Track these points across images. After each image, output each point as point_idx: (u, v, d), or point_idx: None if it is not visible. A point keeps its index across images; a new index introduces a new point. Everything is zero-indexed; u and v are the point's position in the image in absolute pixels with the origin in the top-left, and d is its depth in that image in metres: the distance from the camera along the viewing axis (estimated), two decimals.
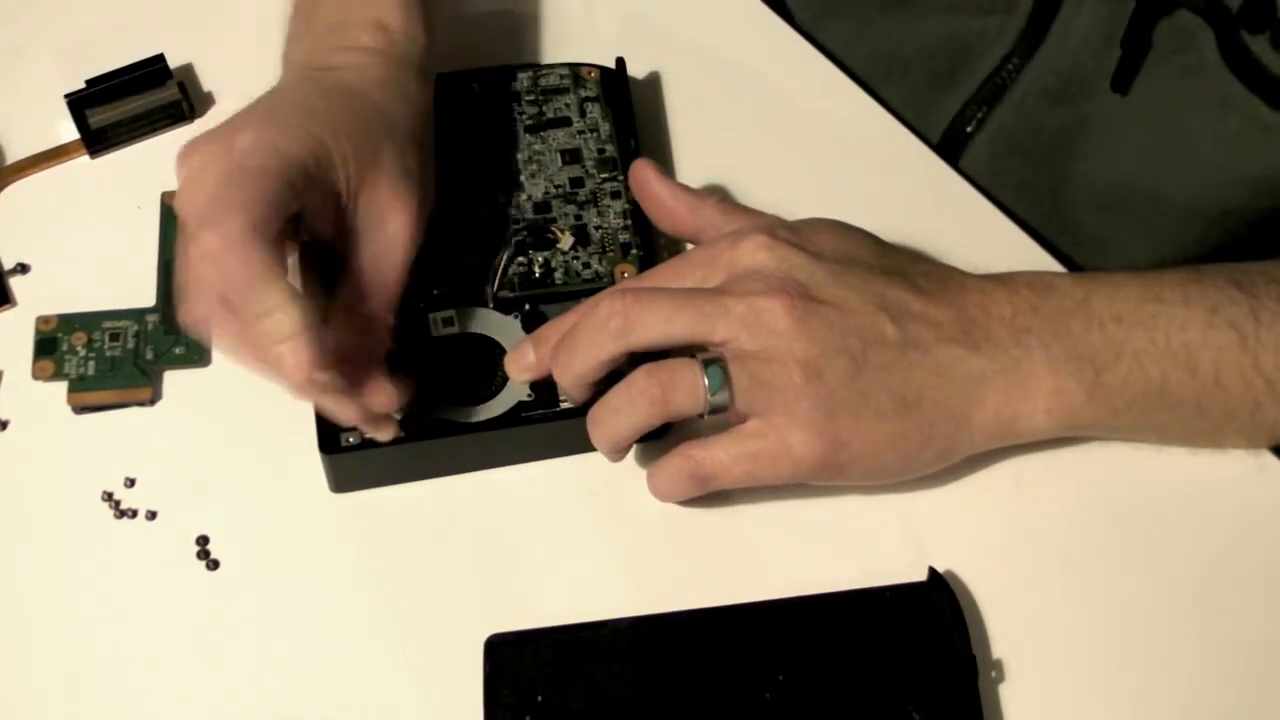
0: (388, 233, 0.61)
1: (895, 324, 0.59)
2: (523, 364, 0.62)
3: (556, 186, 0.68)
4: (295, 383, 0.57)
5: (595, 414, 0.60)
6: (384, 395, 0.60)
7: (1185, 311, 0.59)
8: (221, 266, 0.55)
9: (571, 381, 0.60)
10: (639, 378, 0.58)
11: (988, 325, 0.59)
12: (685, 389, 0.58)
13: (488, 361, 0.63)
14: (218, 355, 0.67)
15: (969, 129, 0.72)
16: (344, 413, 0.59)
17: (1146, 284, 0.60)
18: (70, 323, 0.67)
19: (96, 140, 0.72)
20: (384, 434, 0.61)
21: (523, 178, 0.68)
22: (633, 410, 0.59)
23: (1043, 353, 0.59)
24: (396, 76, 0.64)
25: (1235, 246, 0.67)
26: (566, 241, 0.66)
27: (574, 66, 0.71)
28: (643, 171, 0.64)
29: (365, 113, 0.62)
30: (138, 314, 0.67)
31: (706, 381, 0.57)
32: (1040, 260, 0.68)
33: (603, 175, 0.68)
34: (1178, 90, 0.66)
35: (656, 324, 0.58)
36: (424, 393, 0.62)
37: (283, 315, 0.55)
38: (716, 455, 0.59)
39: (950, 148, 0.73)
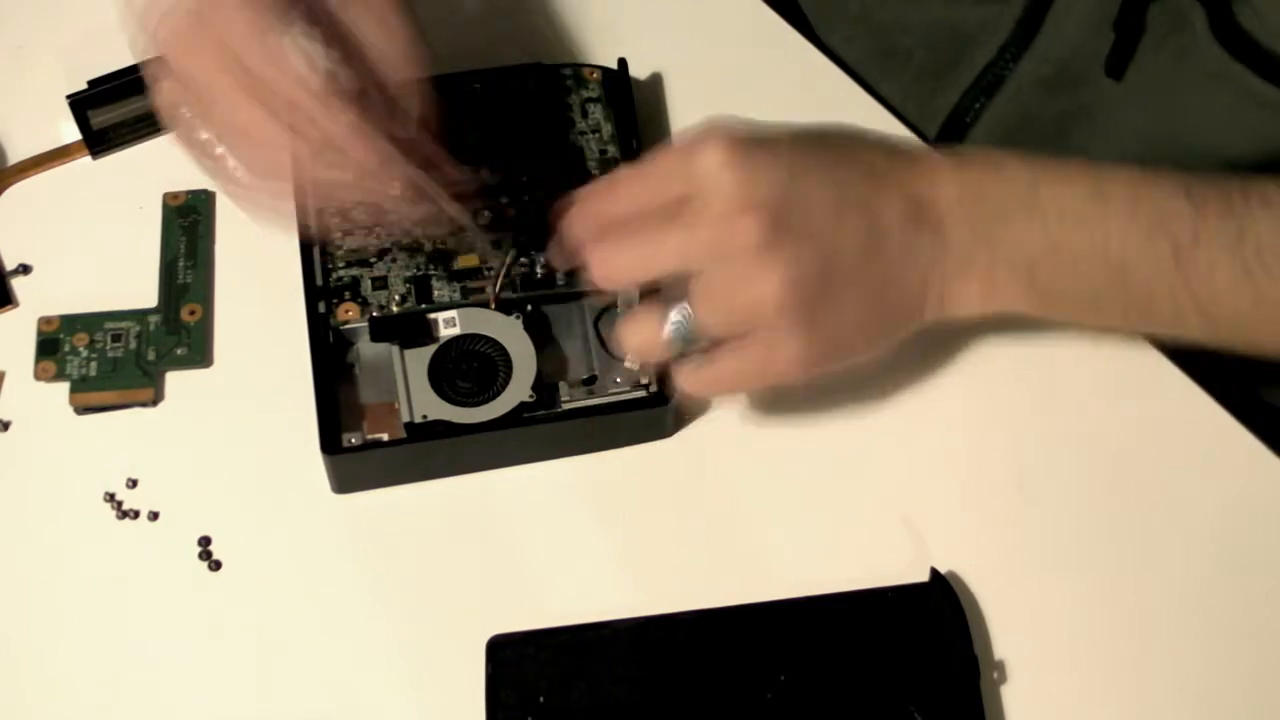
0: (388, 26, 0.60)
1: (861, 218, 0.58)
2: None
3: (557, 187, 0.68)
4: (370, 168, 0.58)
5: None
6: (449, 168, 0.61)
7: (1129, 220, 0.59)
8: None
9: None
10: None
11: (935, 207, 0.59)
12: (648, 340, 0.59)
13: (489, 362, 0.63)
14: (219, 356, 0.67)
15: (967, 119, 0.72)
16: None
17: (1096, 181, 0.60)
18: (72, 323, 0.67)
19: (98, 141, 0.72)
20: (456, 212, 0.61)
21: (524, 178, 0.68)
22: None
23: (983, 240, 0.59)
24: None
25: None
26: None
27: (576, 67, 0.71)
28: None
29: None
30: (140, 314, 0.67)
31: (670, 334, 0.58)
32: None
33: (603, 176, 0.68)
34: (1172, 72, 0.66)
35: (633, 273, 0.59)
36: (425, 394, 0.62)
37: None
38: (702, 378, 0.60)
39: (949, 139, 0.73)
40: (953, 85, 0.73)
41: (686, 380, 0.60)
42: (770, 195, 0.57)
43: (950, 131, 0.73)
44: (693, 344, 0.58)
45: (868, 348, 0.60)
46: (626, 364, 0.64)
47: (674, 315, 0.58)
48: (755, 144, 0.58)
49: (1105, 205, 0.59)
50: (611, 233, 0.59)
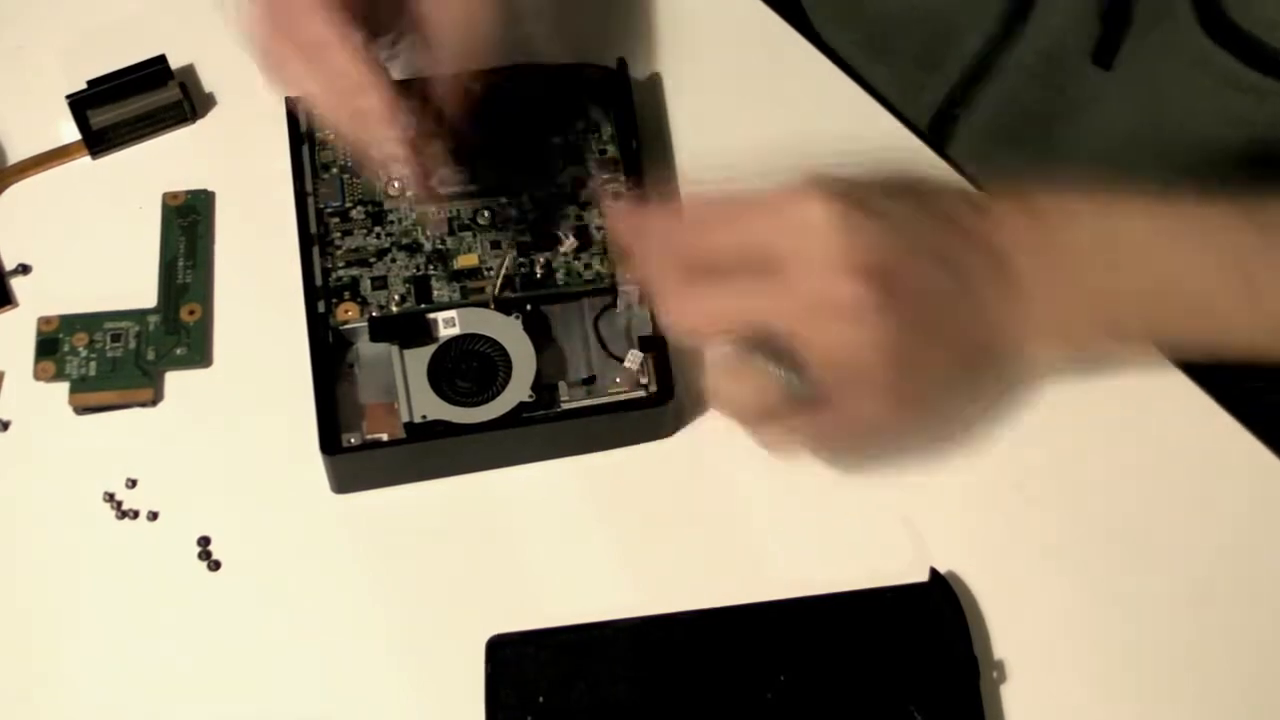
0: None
1: (951, 274, 0.58)
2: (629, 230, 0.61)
3: (558, 187, 0.68)
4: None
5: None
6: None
7: (1200, 254, 0.59)
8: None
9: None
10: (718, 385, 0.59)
11: (1014, 260, 0.58)
12: (757, 390, 0.58)
13: (489, 362, 0.63)
14: (218, 356, 0.67)
15: (956, 111, 0.72)
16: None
17: (1164, 218, 0.60)
18: (72, 323, 0.67)
19: (98, 141, 0.72)
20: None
21: (524, 178, 0.68)
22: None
23: (1063, 294, 0.59)
24: None
25: None
26: (569, 245, 0.66)
27: (576, 67, 0.71)
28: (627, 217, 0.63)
29: None
30: (139, 314, 0.67)
31: (785, 384, 0.57)
32: None
33: (604, 176, 0.68)
34: (1158, 61, 0.66)
35: (720, 324, 0.57)
36: (424, 392, 0.62)
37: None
38: (791, 435, 0.59)
39: (940, 130, 0.73)
40: (942, 76, 0.73)
41: (776, 439, 0.60)
42: (872, 256, 0.56)
43: (941, 122, 0.73)
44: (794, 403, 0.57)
45: (953, 406, 0.61)
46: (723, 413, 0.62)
47: (778, 373, 0.57)
48: (854, 201, 0.57)
49: (1175, 241, 0.59)
50: (700, 278, 0.57)
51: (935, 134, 0.73)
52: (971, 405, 0.62)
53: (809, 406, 0.57)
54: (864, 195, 0.58)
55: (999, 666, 0.59)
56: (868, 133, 0.73)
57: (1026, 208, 0.60)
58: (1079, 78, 0.68)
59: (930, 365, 0.58)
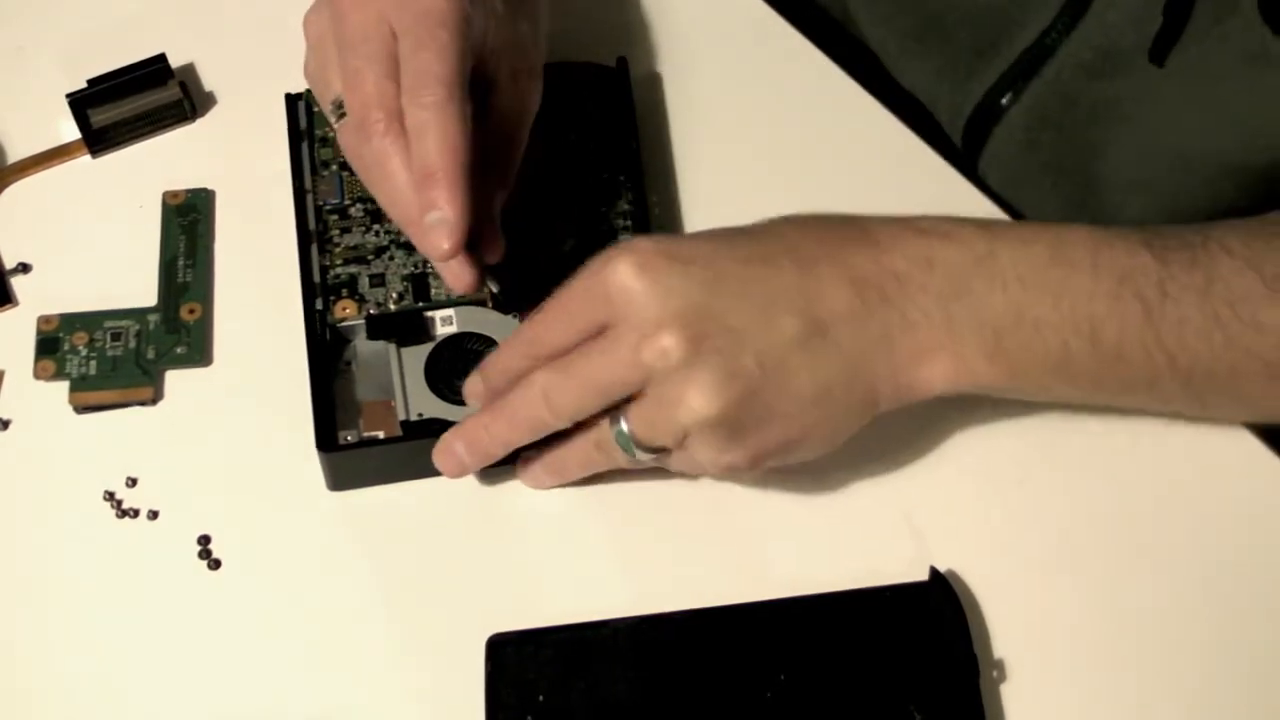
0: (519, 88, 0.61)
1: (791, 318, 0.57)
2: (456, 468, 0.62)
3: (557, 187, 0.68)
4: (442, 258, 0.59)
5: (556, 455, 0.62)
6: (497, 247, 0.62)
7: (1092, 281, 0.57)
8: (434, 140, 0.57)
9: (580, 472, 0.62)
10: (586, 438, 0.60)
11: (881, 285, 0.57)
12: (617, 455, 0.59)
13: None
14: (218, 355, 0.67)
15: (1004, 102, 0.71)
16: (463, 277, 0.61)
17: (1055, 244, 0.58)
18: (72, 322, 0.67)
19: (98, 140, 0.72)
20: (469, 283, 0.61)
21: (522, 177, 0.68)
22: (590, 461, 0.61)
23: (941, 314, 0.58)
24: None
25: (1266, 210, 0.64)
26: (569, 245, 0.66)
27: (574, 67, 0.71)
28: None
29: None
30: (139, 313, 0.67)
31: (621, 452, 0.59)
32: None
33: (603, 175, 0.68)
34: (1215, 56, 0.64)
35: (571, 409, 0.58)
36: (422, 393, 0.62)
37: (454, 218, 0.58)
38: (673, 464, 0.60)
39: (981, 125, 0.72)
40: (989, 68, 0.71)
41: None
42: (684, 307, 0.56)
43: (982, 117, 0.72)
44: (643, 453, 0.58)
45: (822, 444, 0.59)
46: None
47: (614, 429, 0.58)
48: (666, 255, 0.57)
49: (1068, 269, 0.58)
50: (558, 364, 0.58)
51: (979, 120, 0.72)
52: (842, 439, 0.60)
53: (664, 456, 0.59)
54: (680, 249, 0.58)
55: (999, 666, 0.59)
56: (868, 131, 0.73)
57: (900, 228, 0.59)
58: (1132, 73, 0.66)
59: (780, 410, 0.57)
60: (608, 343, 0.57)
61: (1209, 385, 0.59)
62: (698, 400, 0.56)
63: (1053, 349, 0.58)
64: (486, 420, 0.60)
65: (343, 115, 0.61)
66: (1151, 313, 0.57)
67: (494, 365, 0.61)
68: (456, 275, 0.61)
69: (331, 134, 0.68)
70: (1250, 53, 0.63)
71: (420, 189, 0.58)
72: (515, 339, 0.61)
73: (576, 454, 0.61)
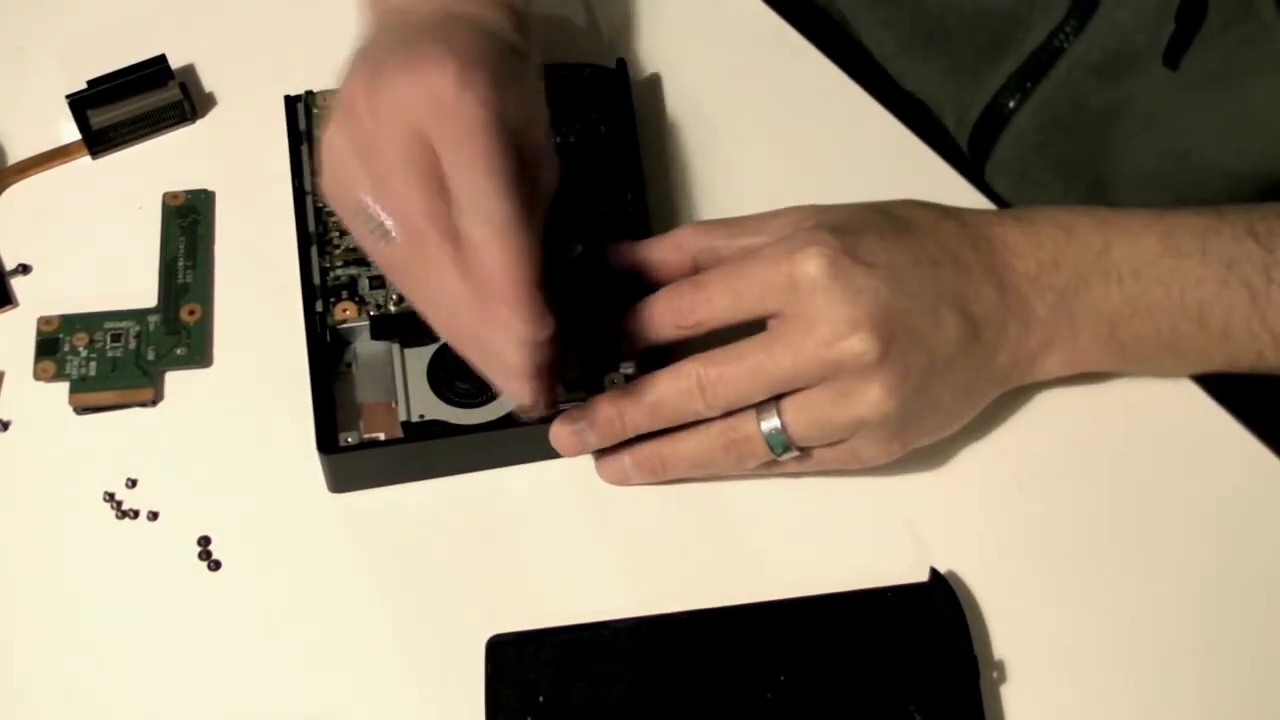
0: (544, 171, 0.59)
1: (955, 316, 0.59)
2: (577, 447, 0.61)
3: (559, 189, 0.67)
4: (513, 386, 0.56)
5: (661, 452, 0.62)
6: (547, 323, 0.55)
7: (1201, 268, 0.60)
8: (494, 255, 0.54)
9: (680, 472, 0.62)
10: (714, 436, 0.60)
11: (1018, 286, 0.61)
12: (751, 453, 0.60)
13: None
14: (219, 356, 0.67)
15: (1011, 104, 0.71)
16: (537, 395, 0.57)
17: (1165, 235, 0.61)
18: (72, 323, 0.67)
19: (98, 141, 0.72)
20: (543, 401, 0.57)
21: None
22: (706, 461, 0.61)
23: (1064, 309, 0.61)
24: (527, 26, 0.63)
25: None
26: (575, 251, 0.65)
27: (574, 67, 0.71)
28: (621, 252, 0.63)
29: (512, 54, 0.59)
30: (139, 314, 0.67)
31: (769, 447, 0.59)
32: None
33: (603, 177, 0.68)
34: (1230, 60, 0.64)
35: (730, 399, 0.59)
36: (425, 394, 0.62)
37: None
38: (788, 466, 0.61)
39: (988, 127, 0.72)
40: (997, 70, 0.71)
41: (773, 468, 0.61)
42: (874, 311, 0.58)
43: (989, 119, 0.72)
44: (787, 451, 0.60)
45: (954, 427, 0.62)
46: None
47: (766, 426, 0.59)
48: (851, 255, 0.58)
49: (1177, 259, 0.61)
50: (718, 355, 0.59)
51: (987, 122, 0.72)
52: (961, 424, 0.63)
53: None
54: (856, 242, 0.59)
55: (999, 666, 0.59)
56: (869, 134, 0.73)
57: (1024, 226, 0.62)
58: (1144, 76, 0.66)
59: (935, 402, 0.60)
60: (792, 335, 0.58)
61: None
62: (880, 397, 0.58)
63: (1164, 332, 0.61)
64: (624, 405, 0.60)
65: (385, 236, 0.56)
66: (1257, 297, 0.60)
67: (645, 320, 0.60)
68: (533, 394, 0.56)
69: None
70: (1266, 57, 0.63)
71: (486, 307, 0.55)
72: (674, 300, 0.60)
73: (694, 450, 0.61)
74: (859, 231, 0.60)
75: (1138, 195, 0.69)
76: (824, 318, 0.58)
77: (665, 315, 0.60)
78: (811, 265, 0.58)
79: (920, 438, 0.61)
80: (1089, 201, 0.69)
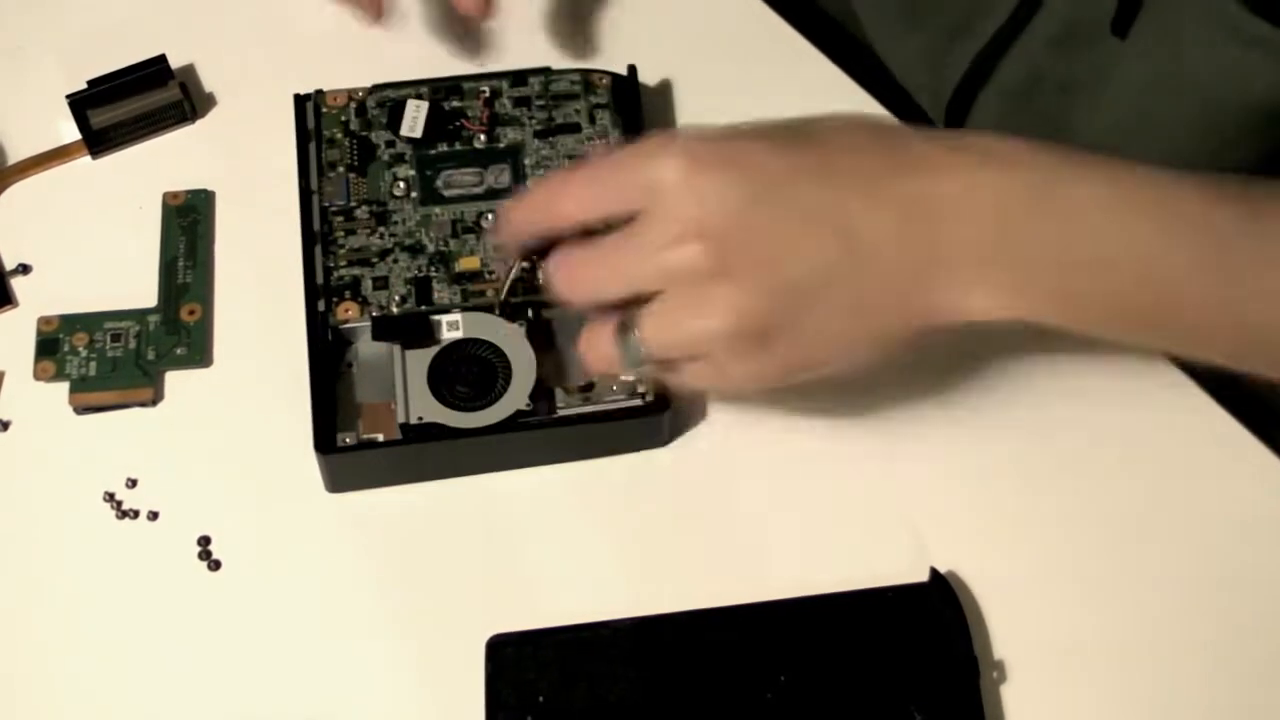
0: None
1: (832, 235, 0.55)
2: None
3: None
4: None
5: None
6: None
7: (1153, 220, 0.55)
8: None
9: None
10: (583, 336, 0.58)
11: (929, 210, 0.55)
12: (607, 357, 0.57)
13: (489, 368, 0.63)
14: (218, 356, 0.67)
15: (978, 82, 0.71)
16: None
17: (1114, 179, 0.56)
18: (72, 323, 0.67)
19: (98, 140, 0.72)
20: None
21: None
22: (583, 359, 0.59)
23: (990, 241, 0.55)
24: None
25: None
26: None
27: (585, 72, 0.71)
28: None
29: None
30: (139, 314, 0.67)
31: (622, 353, 0.57)
32: None
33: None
34: (1175, 27, 0.63)
35: (594, 291, 0.57)
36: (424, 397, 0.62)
37: None
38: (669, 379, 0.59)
39: (962, 102, 0.72)
40: (964, 50, 0.71)
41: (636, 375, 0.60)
42: (723, 221, 0.54)
43: (960, 100, 0.72)
44: (648, 362, 0.57)
45: (844, 361, 0.57)
46: (591, 379, 0.63)
47: (627, 335, 0.56)
48: (717, 156, 0.55)
49: (1127, 207, 0.55)
50: (573, 247, 0.57)
51: (959, 102, 0.72)
52: (873, 357, 0.57)
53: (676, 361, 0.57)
54: (735, 151, 0.56)
55: (999, 666, 0.59)
56: None
57: (955, 147, 0.57)
58: (1098, 46, 0.66)
59: (803, 329, 0.55)
60: (637, 235, 0.55)
61: (1263, 337, 0.57)
62: (722, 310, 0.54)
63: (1104, 286, 0.56)
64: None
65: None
66: (1206, 257, 0.55)
67: (509, 215, 0.59)
68: None
69: (339, 136, 0.68)
70: (1211, 25, 0.62)
71: None
72: (537, 194, 0.59)
73: (598, 345, 0.58)
74: (745, 139, 0.57)
75: None
76: (665, 220, 0.54)
77: (537, 203, 0.58)
78: (669, 165, 0.54)
79: (806, 364, 0.57)
80: None
